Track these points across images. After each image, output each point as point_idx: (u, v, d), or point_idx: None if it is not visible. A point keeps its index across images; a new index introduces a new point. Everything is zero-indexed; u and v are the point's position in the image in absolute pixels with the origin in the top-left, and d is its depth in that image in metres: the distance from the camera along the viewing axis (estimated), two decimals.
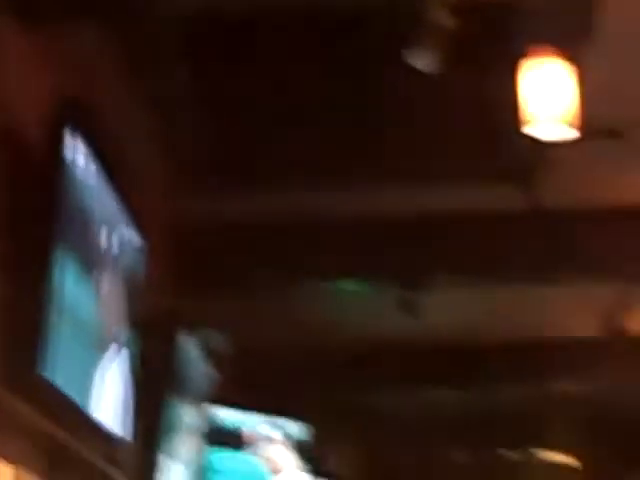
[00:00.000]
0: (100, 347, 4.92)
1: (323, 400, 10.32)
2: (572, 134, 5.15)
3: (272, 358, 9.48)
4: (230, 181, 6.91)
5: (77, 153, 4.26)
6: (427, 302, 8.13)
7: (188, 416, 7.50)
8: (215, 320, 8.00)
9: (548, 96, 5.08)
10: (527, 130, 5.23)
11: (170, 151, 6.39)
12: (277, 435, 8.76)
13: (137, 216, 5.42)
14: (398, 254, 7.71)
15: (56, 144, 4.11)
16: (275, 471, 8.70)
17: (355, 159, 6.71)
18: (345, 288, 8.38)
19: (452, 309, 9.00)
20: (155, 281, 6.27)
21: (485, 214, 7.43)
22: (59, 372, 4.06)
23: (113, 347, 5.15)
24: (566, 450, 13.44)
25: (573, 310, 9.40)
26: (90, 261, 4.63)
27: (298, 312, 9.08)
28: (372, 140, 6.56)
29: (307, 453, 9.13)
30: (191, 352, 7.34)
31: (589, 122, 5.33)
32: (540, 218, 7.45)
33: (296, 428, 9.14)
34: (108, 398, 5.03)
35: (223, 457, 8.78)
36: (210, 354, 7.91)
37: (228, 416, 8.71)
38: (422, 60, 5.29)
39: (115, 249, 5.11)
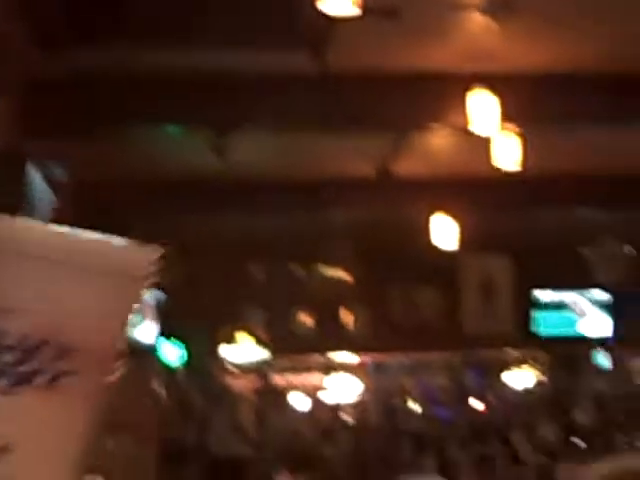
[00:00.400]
0: None
1: (148, 222, 10.29)
2: (354, 11, 5.14)
3: (107, 188, 9.38)
4: (76, 36, 6.68)
5: None
6: (233, 145, 8.16)
7: None
8: (58, 157, 7.89)
9: None
10: (319, 4, 5.20)
11: (25, 6, 6.14)
12: None
13: None
14: (212, 105, 7.66)
15: None
16: None
17: (180, 24, 6.59)
18: (168, 132, 8.33)
19: (254, 152, 9.03)
20: (7, 124, 6.12)
21: (283, 75, 7.40)
22: None
23: None
24: (342, 267, 13.72)
25: (352, 155, 9.52)
26: None
27: (129, 151, 9.00)
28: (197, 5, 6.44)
29: None
30: (38, 183, 7.23)
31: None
32: (327, 80, 7.47)
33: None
34: None
35: None
36: (53, 185, 7.80)
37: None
38: None
39: None
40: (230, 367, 13.07)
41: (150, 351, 11.01)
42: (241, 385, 13.58)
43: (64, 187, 8.14)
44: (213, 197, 10.43)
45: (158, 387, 9.67)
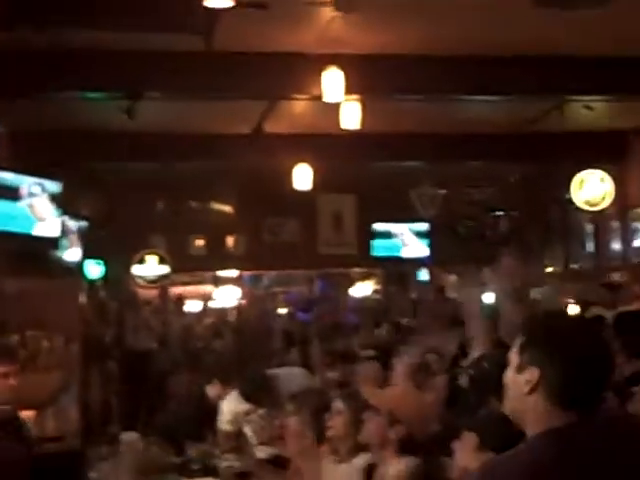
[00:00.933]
0: None
1: (73, 165, 10.09)
2: (230, 4, 5.05)
3: (37, 140, 9.13)
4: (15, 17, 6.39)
5: None
6: (140, 108, 8.05)
7: None
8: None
9: None
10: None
11: None
12: (40, 190, 8.46)
13: None
14: (124, 77, 7.48)
15: None
16: (40, 219, 8.43)
17: (101, 11, 6.36)
18: (89, 97, 8.13)
19: (158, 113, 8.92)
20: None
21: (181, 52, 7.25)
22: None
23: None
24: (227, 203, 13.70)
25: (234, 116, 9.47)
26: None
27: (59, 112, 8.80)
28: None
29: (63, 203, 8.91)
30: None
31: None
32: (214, 57, 7.37)
33: (55, 186, 8.83)
34: None
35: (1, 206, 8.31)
36: None
37: (5, 177, 8.25)
38: None
39: None
40: (139, 281, 12.95)
41: (76, 269, 10.83)
42: (148, 294, 13.49)
43: (4, 137, 7.92)
44: (127, 148, 10.27)
45: (83, 297, 9.54)
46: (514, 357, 2.30)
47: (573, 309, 10.05)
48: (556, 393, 2.20)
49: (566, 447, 2.15)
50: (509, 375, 2.31)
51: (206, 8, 5.41)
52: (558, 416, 2.19)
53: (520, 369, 2.25)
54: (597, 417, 2.22)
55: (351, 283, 15.87)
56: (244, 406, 5.69)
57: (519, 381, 2.25)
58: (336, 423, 4.21)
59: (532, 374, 2.22)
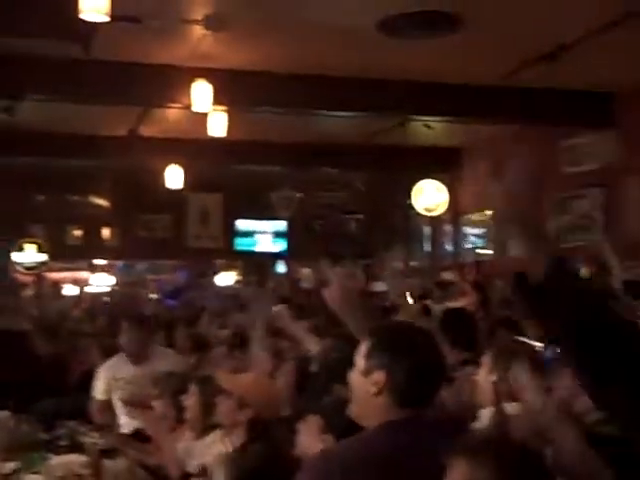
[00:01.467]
0: None
1: None
2: (106, 18, 4.90)
3: None
4: None
5: None
6: (23, 108, 7.75)
7: None
8: None
9: None
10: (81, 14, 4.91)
11: None
12: None
13: None
14: (6, 78, 7.15)
15: None
16: None
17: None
18: None
19: (37, 114, 8.61)
20: None
21: (62, 59, 6.96)
22: None
23: None
24: (104, 197, 13.42)
25: (112, 119, 9.26)
26: None
27: None
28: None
29: None
30: None
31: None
32: (93, 65, 7.15)
33: None
34: None
35: None
36: None
37: None
38: None
39: None
40: (18, 267, 12.51)
41: None
42: (27, 280, 13.07)
43: None
44: (8, 144, 9.86)
45: None
46: (360, 361, 2.24)
47: (409, 302, 10.24)
48: (400, 393, 2.18)
49: (403, 438, 2.15)
50: (355, 378, 2.25)
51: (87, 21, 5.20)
52: (397, 412, 2.18)
53: (367, 372, 2.21)
54: (430, 412, 2.24)
55: (215, 273, 15.78)
56: (118, 372, 5.56)
57: (365, 383, 2.20)
58: (190, 405, 4.18)
59: (379, 377, 2.19)
